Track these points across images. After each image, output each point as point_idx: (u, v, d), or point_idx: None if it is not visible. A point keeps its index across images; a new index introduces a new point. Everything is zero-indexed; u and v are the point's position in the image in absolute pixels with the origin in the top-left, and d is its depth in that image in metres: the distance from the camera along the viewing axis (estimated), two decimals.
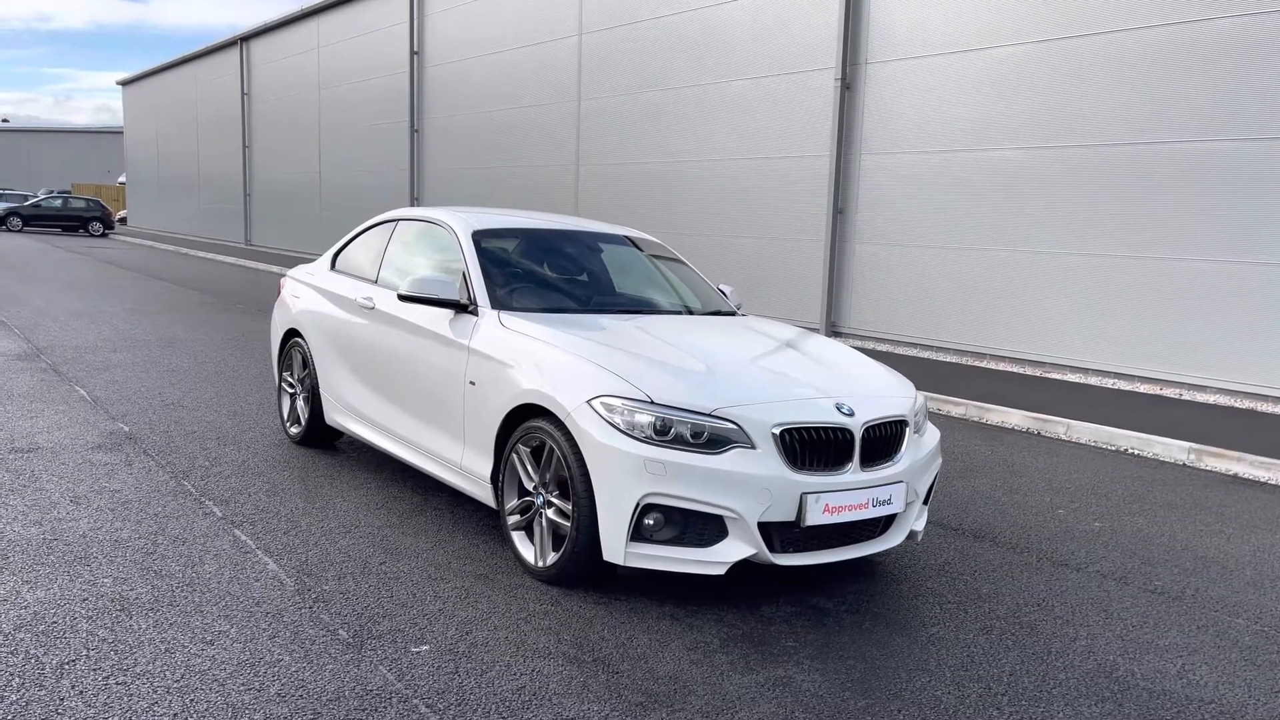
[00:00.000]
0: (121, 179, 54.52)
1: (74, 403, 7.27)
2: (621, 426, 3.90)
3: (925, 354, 12.31)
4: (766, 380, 4.28)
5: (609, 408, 3.94)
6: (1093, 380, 10.59)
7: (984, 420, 8.79)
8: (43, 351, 9.53)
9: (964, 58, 11.72)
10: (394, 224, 6.05)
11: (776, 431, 3.92)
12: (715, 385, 4.08)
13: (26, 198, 43.25)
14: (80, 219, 38.79)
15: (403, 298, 4.95)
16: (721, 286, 6.07)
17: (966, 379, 10.43)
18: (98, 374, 8.48)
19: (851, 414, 4.09)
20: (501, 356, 4.49)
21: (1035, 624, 4.09)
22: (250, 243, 32.97)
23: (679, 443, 3.87)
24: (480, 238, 5.31)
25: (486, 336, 4.64)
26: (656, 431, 3.87)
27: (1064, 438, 8.19)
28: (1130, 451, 7.75)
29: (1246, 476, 7.08)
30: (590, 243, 5.87)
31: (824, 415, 4.04)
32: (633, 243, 6.13)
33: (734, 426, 3.90)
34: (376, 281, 5.79)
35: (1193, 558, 5.13)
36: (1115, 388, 10.24)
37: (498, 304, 4.87)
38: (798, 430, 3.95)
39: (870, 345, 12.77)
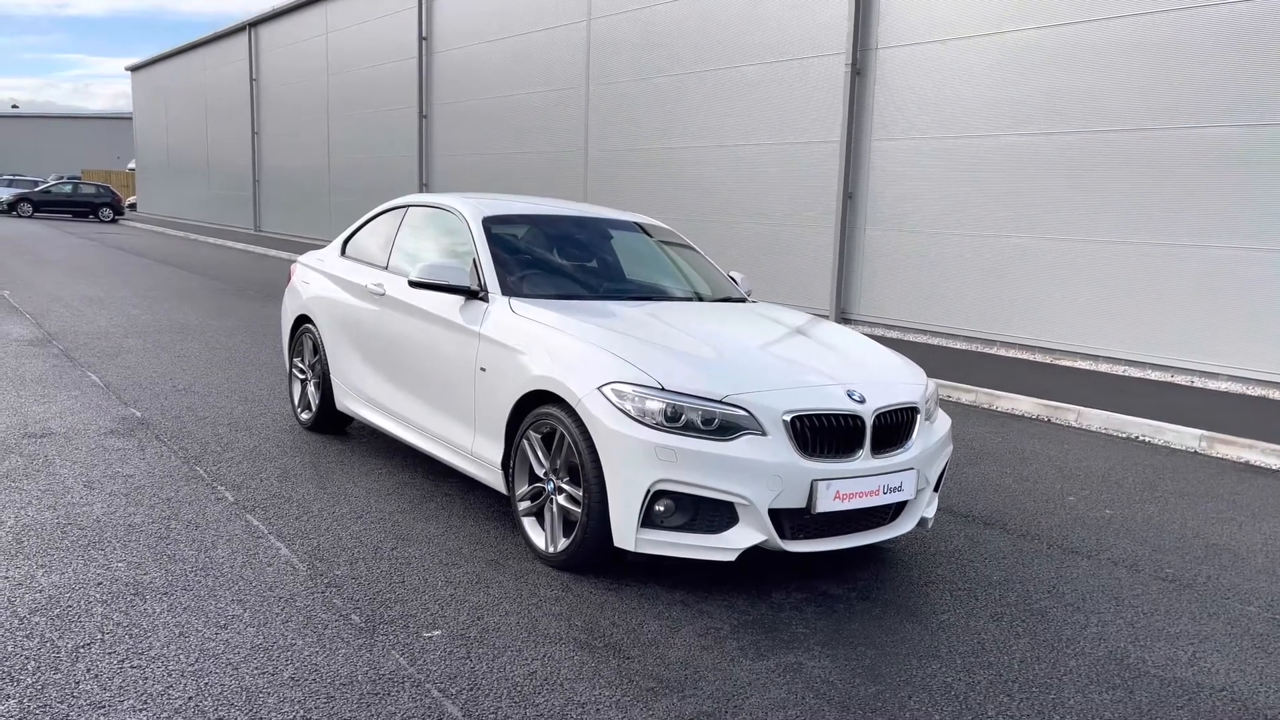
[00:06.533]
0: (131, 165, 54.62)
1: (86, 388, 7.30)
2: (632, 413, 3.90)
3: (935, 340, 12.28)
4: (777, 367, 4.27)
5: (620, 394, 3.94)
6: (1103, 367, 10.55)
7: (994, 407, 8.77)
8: (54, 337, 9.56)
9: (976, 43, 11.65)
10: (404, 210, 6.05)
11: (787, 418, 3.91)
12: (726, 372, 4.08)
13: (37, 184, 43.37)
14: (90, 205, 38.89)
15: (414, 284, 4.95)
16: (732, 273, 6.06)
17: (977, 366, 10.41)
18: (109, 359, 8.51)
19: (862, 401, 4.08)
20: (512, 343, 4.49)
21: (1046, 611, 4.09)
22: (259, 229, 33.03)
23: (690, 429, 3.87)
24: (491, 224, 5.30)
25: (497, 323, 4.64)
26: (667, 418, 3.87)
27: (1074, 425, 8.17)
28: (1141, 439, 7.72)
29: (1258, 464, 7.06)
30: (600, 229, 5.86)
31: (835, 402, 4.03)
32: (642, 229, 6.12)
33: (744, 413, 3.90)
34: (387, 268, 5.79)
35: (1204, 545, 5.12)
36: (1126, 375, 10.21)
37: (508, 290, 4.87)
38: (808, 417, 3.95)
39: (880, 331, 12.75)
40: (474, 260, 5.07)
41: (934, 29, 12.07)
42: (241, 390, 7.54)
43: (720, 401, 3.91)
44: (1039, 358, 11.14)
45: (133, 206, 48.69)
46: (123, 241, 26.14)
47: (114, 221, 38.47)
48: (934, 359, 10.58)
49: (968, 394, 9.06)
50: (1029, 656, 3.64)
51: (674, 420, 3.87)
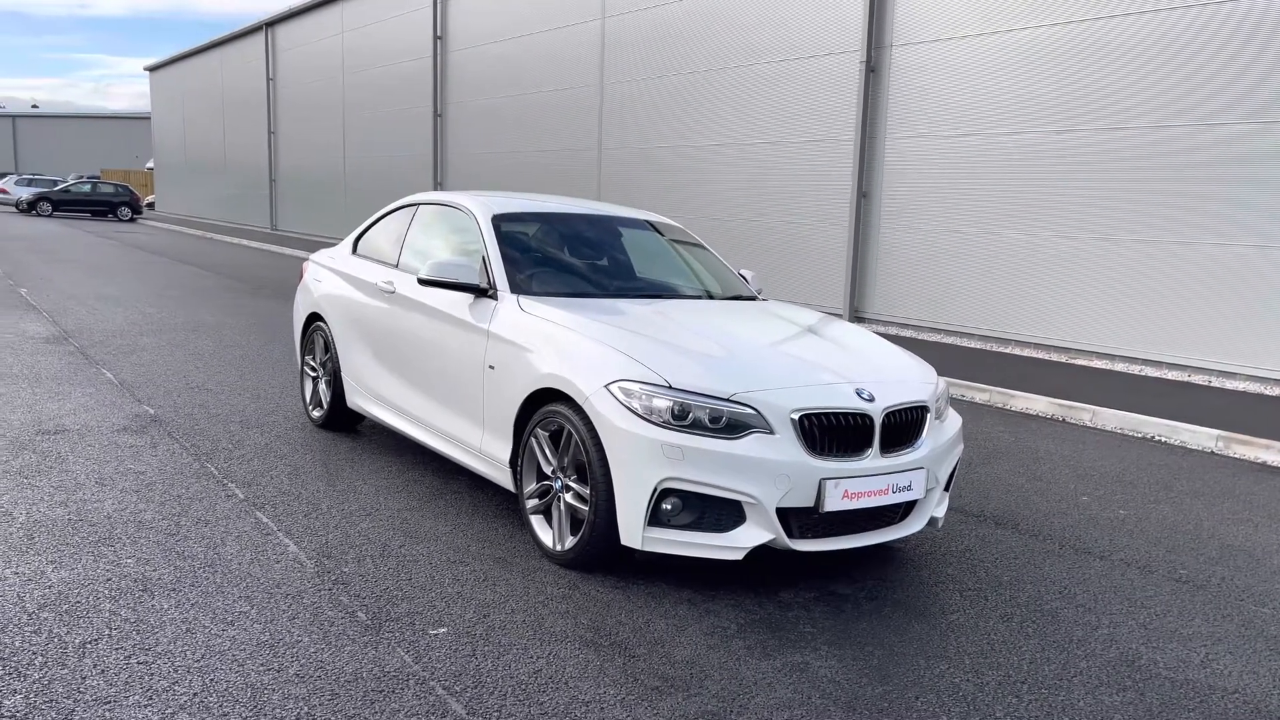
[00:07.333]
0: (150, 165, 54.98)
1: (101, 385, 7.34)
2: (639, 411, 3.88)
3: (949, 339, 12.22)
4: (786, 365, 4.25)
5: (627, 392, 3.93)
6: (1119, 366, 10.47)
7: (1008, 406, 8.71)
8: (70, 335, 9.63)
9: (990, 39, 11.58)
10: (415, 208, 6.06)
11: (795, 417, 3.89)
12: (734, 370, 4.06)
13: (56, 183, 43.70)
14: (109, 204, 39.17)
15: (423, 281, 4.95)
16: (742, 271, 6.04)
17: (991, 365, 10.35)
18: (124, 357, 8.56)
19: (872, 400, 4.06)
20: (520, 340, 4.48)
21: (1057, 612, 4.06)
22: (276, 228, 33.18)
23: (697, 427, 3.85)
24: (500, 221, 5.30)
25: (506, 320, 4.64)
26: (674, 416, 3.86)
27: (1089, 424, 8.11)
28: (1157, 439, 7.66)
29: (1276, 465, 6.98)
30: (611, 227, 5.85)
31: (844, 401, 4.01)
32: (653, 227, 6.10)
33: (752, 411, 3.88)
34: (397, 265, 5.80)
35: (1218, 546, 5.07)
36: (1142, 374, 10.13)
37: (517, 288, 4.86)
38: (817, 416, 3.93)
39: (894, 330, 12.70)
40: (483, 258, 5.07)
41: (948, 26, 12.00)
42: (254, 388, 7.56)
43: (728, 400, 3.89)
44: (1055, 357, 11.07)
45: (151, 205, 49.00)
46: (140, 240, 26.31)
47: (132, 220, 38.74)
48: (948, 358, 10.52)
49: (982, 393, 9.00)
50: (1039, 657, 3.61)
51: (681, 418, 3.86)
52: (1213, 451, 7.32)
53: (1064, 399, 8.48)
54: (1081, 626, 3.92)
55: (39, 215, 37.77)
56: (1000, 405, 8.79)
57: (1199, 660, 3.67)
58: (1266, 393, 9.23)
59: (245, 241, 27.39)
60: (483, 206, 5.42)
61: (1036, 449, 7.08)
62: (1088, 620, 3.98)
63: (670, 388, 3.90)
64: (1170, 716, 3.23)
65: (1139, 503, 5.82)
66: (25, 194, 39.79)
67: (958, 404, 8.65)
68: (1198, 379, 9.81)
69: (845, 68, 13.18)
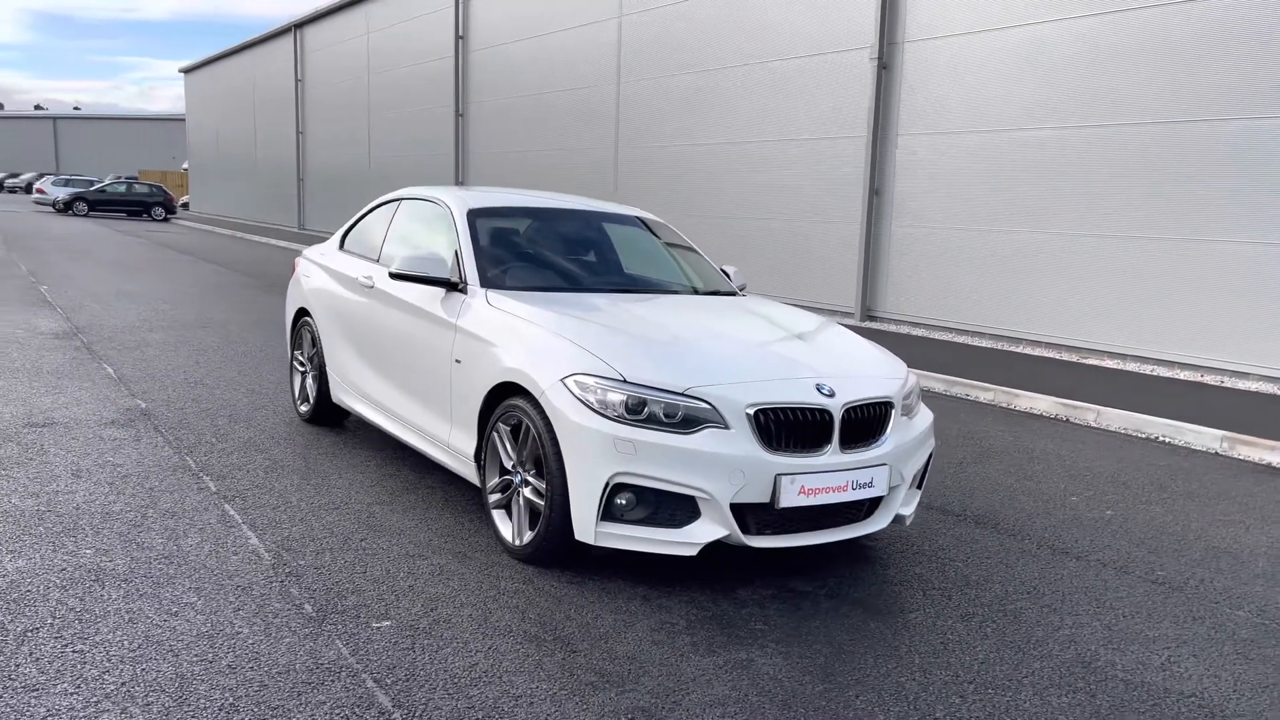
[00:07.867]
0: (185, 165, 55.72)
1: (99, 380, 7.42)
2: (594, 405, 3.85)
3: (961, 338, 12.06)
4: (747, 360, 4.19)
5: (582, 386, 3.90)
6: (1130, 366, 10.29)
7: (1012, 406, 8.57)
8: (80, 330, 9.75)
9: (1003, 35, 11.41)
10: (398, 203, 6.06)
11: (750, 411, 3.84)
12: (690, 364, 4.01)
13: (93, 183, 44.39)
14: (143, 204, 39.72)
15: (394, 275, 4.94)
16: (724, 267, 5.99)
17: (1000, 364, 10.19)
18: (128, 353, 8.65)
19: (832, 394, 3.99)
20: (486, 335, 4.46)
21: (1019, 611, 3.97)
22: (304, 227, 33.48)
23: (652, 422, 3.81)
24: (475, 216, 5.29)
25: (474, 315, 4.62)
26: (629, 410, 3.82)
27: (1093, 425, 7.96)
28: (1160, 439, 7.50)
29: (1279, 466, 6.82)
30: (590, 222, 5.81)
31: (802, 395, 3.95)
32: (641, 223, 6.06)
33: (707, 406, 3.83)
34: (378, 260, 5.80)
35: (1203, 548, 4.94)
36: (1153, 374, 9.94)
37: (488, 283, 4.85)
38: (773, 410, 3.87)
39: (905, 329, 12.57)
40: (456, 252, 5.05)
41: (961, 21, 11.85)
42: (251, 383, 7.61)
43: (682, 394, 3.84)
44: (1066, 356, 10.89)
45: (186, 205, 49.64)
46: (169, 239, 26.65)
47: (166, 220, 39.26)
48: (958, 357, 10.39)
49: (986, 393, 8.86)
50: (991, 657, 3.53)
51: (636, 413, 3.82)
52: (1216, 452, 7.15)
53: (1070, 399, 8.33)
54: (1043, 627, 3.83)
55: (75, 215, 38.36)
56: (1005, 405, 8.65)
57: (1159, 663, 3.58)
58: (1279, 393, 9.03)
59: (273, 241, 27.65)
60: (459, 201, 5.41)
61: (1033, 448, 6.96)
62: (1050, 621, 3.89)
63: (625, 382, 3.86)
64: (1118, 719, 3.14)
65: (1129, 503, 5.69)
66: (62, 194, 40.47)
67: (961, 404, 8.54)
68: (1210, 379, 9.61)
69: (858, 64, 13.06)
